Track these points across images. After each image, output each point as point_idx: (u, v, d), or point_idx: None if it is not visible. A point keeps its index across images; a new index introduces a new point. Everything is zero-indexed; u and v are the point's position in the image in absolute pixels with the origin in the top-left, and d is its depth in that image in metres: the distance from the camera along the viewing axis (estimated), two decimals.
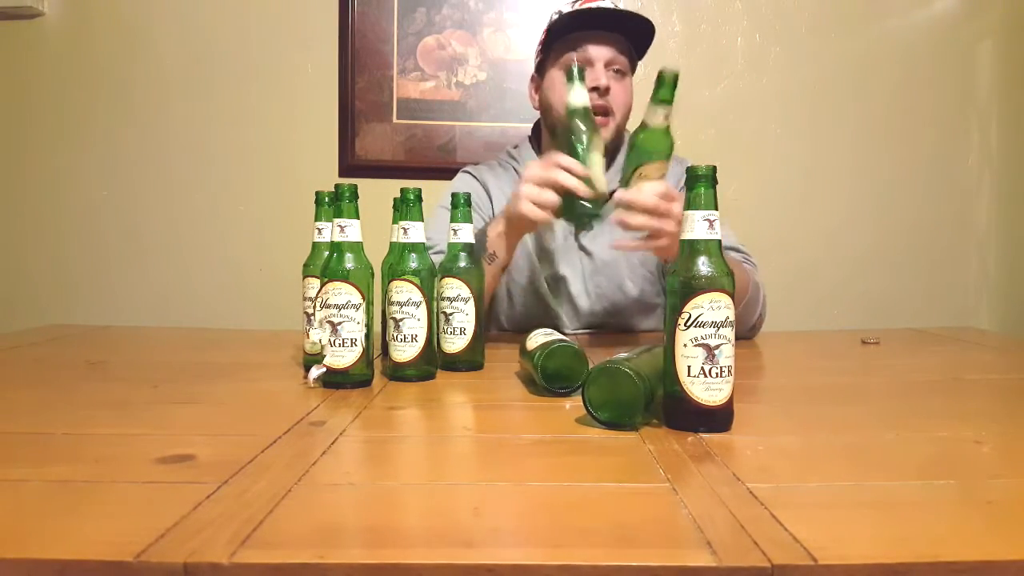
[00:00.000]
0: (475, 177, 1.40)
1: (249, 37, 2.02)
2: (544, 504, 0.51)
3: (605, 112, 1.25)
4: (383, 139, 2.04)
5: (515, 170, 1.39)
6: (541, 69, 1.34)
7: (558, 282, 1.34)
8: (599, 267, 1.34)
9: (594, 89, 1.22)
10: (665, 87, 1.01)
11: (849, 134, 2.09)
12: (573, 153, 1.04)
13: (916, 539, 0.45)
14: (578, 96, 1.06)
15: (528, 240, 1.34)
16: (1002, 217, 2.09)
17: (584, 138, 1.04)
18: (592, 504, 0.51)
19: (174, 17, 2.02)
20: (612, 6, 1.27)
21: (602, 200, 1.04)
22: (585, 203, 1.03)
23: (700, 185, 0.68)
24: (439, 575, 0.41)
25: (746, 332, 1.29)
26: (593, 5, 1.26)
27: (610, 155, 1.29)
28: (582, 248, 1.34)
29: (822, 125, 2.08)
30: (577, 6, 1.28)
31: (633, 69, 1.33)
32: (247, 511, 0.47)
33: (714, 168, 0.69)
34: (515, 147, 1.44)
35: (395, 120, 2.04)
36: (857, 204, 2.10)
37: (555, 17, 1.28)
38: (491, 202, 1.37)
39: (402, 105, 2.04)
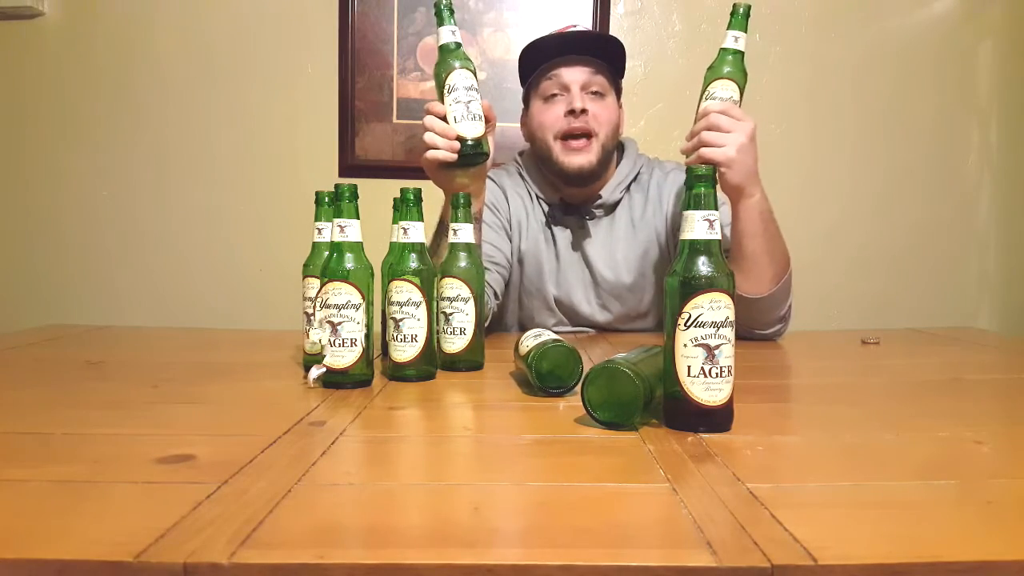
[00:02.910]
0: (494, 181, 1.39)
1: (249, 37, 2.02)
2: (544, 504, 0.51)
3: (586, 134, 1.27)
4: (383, 139, 2.04)
5: (519, 175, 1.41)
6: (526, 101, 1.38)
7: (563, 291, 1.37)
8: (600, 280, 1.36)
9: (570, 112, 1.26)
10: (734, 17, 1.10)
11: (849, 134, 2.09)
12: (441, 97, 1.08)
13: (916, 539, 0.45)
14: (443, 35, 1.08)
15: (535, 251, 1.36)
16: (1002, 217, 2.09)
17: (444, 78, 1.07)
18: (592, 504, 0.51)
19: (174, 17, 2.02)
20: (584, 30, 1.31)
21: (464, 140, 1.06)
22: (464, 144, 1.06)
23: (700, 185, 0.68)
24: (439, 575, 0.41)
25: (774, 325, 1.22)
26: (560, 32, 1.30)
27: (603, 168, 1.32)
28: (584, 261, 1.36)
29: (822, 125, 2.08)
30: (546, 35, 1.32)
31: (616, 89, 1.34)
32: (247, 511, 0.47)
33: (714, 168, 0.69)
34: (520, 153, 1.46)
35: (395, 120, 2.04)
36: (857, 204, 2.10)
37: (526, 48, 1.31)
38: (508, 204, 1.38)
39: (402, 105, 2.04)
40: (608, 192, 1.34)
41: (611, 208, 1.36)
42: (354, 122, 2.04)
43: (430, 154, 1.06)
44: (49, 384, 0.91)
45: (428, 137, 1.06)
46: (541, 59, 1.30)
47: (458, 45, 1.07)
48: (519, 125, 1.43)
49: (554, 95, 1.29)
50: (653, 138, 2.03)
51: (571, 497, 0.52)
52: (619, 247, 1.35)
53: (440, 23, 1.07)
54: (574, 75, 1.27)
